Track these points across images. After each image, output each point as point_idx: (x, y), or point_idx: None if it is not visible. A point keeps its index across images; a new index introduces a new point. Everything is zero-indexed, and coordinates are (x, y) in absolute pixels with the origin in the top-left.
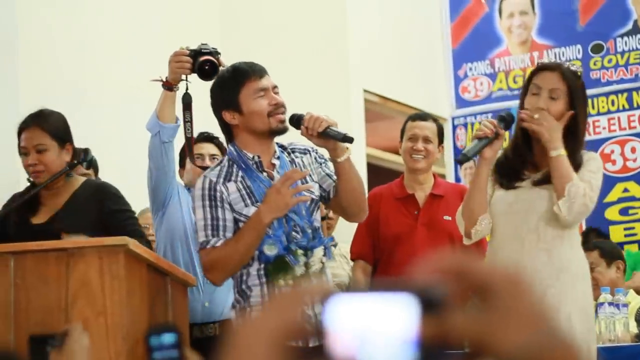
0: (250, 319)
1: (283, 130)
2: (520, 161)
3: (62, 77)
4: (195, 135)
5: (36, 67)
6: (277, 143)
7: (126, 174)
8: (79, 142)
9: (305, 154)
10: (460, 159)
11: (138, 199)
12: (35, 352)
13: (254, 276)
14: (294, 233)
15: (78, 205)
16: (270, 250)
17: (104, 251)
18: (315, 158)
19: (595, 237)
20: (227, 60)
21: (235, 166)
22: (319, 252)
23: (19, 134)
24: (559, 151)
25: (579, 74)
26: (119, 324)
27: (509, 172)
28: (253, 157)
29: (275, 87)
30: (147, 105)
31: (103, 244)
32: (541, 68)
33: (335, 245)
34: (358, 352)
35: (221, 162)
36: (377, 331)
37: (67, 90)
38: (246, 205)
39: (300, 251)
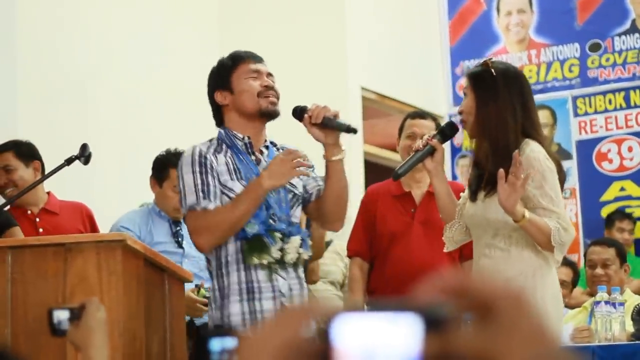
0: (255, 335)
1: (273, 113)
2: (480, 170)
3: (60, 71)
4: None
5: (34, 60)
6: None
7: (125, 166)
8: (77, 136)
9: None
10: (394, 175)
11: (135, 192)
12: (54, 324)
13: (233, 260)
14: (271, 220)
15: None
16: (250, 228)
17: (102, 246)
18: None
19: (619, 219)
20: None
21: (224, 145)
22: (296, 240)
23: None
24: (525, 216)
25: (484, 63)
26: (116, 319)
27: (472, 182)
28: (243, 137)
29: (270, 74)
30: (145, 96)
31: (101, 240)
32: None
33: (329, 243)
34: None
35: (210, 140)
36: (381, 350)
37: (65, 84)
38: (231, 179)
39: (278, 234)
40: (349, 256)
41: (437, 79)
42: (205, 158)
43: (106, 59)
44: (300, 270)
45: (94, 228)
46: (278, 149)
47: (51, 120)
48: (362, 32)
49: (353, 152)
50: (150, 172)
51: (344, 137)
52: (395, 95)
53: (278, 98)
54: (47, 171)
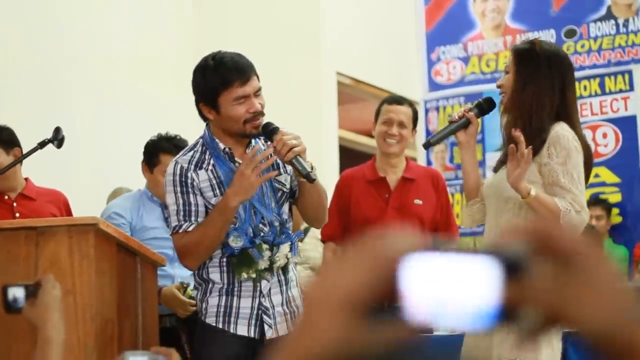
0: (322, 278)
1: (257, 136)
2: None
3: (34, 55)
4: None
5: (7, 44)
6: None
7: (100, 151)
8: (51, 121)
9: None
10: (425, 144)
11: (109, 176)
12: (8, 301)
13: (216, 265)
14: (261, 226)
15: None
16: (235, 243)
17: (74, 230)
18: None
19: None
20: (200, 40)
21: (207, 152)
22: (284, 248)
23: None
24: (530, 194)
25: (533, 41)
26: (88, 303)
27: (501, 158)
28: (224, 148)
29: (257, 90)
30: (123, 87)
31: (73, 223)
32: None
33: (308, 229)
34: (434, 315)
35: (195, 145)
36: (456, 295)
37: (39, 68)
38: (215, 196)
39: (265, 246)
40: (323, 240)
41: (413, 64)
42: (186, 177)
43: (80, 42)
44: (287, 271)
45: (69, 215)
46: (265, 141)
47: (24, 104)
48: (337, 17)
49: (328, 137)
50: (124, 156)
51: (319, 122)
52: (370, 81)
53: (264, 115)
54: None
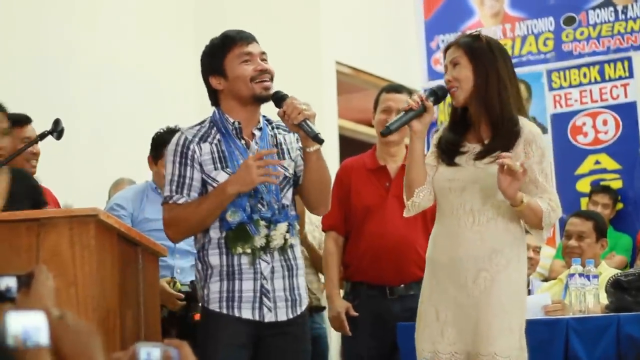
0: None
1: (267, 98)
2: (458, 136)
3: (34, 46)
4: None
5: (6, 36)
6: (264, 116)
7: (100, 143)
8: (50, 112)
9: (288, 132)
10: (383, 131)
11: (109, 168)
12: (1, 290)
13: (215, 247)
14: (259, 205)
15: (19, 197)
16: (232, 217)
17: (75, 221)
18: (297, 139)
19: (595, 192)
20: (198, 27)
21: (214, 128)
22: (282, 226)
23: None
24: (523, 202)
25: (476, 34)
26: (89, 294)
27: (448, 148)
28: (234, 122)
29: (263, 53)
30: (123, 79)
31: (74, 214)
32: (446, 48)
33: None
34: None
35: (202, 122)
36: None
37: (39, 60)
38: (215, 169)
39: (262, 222)
40: (324, 230)
41: (412, 53)
42: (188, 148)
43: (80, 34)
44: (289, 254)
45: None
46: (273, 128)
47: (23, 97)
48: (336, 6)
49: (327, 126)
50: (124, 148)
51: (319, 111)
52: (370, 70)
53: (272, 79)
54: None
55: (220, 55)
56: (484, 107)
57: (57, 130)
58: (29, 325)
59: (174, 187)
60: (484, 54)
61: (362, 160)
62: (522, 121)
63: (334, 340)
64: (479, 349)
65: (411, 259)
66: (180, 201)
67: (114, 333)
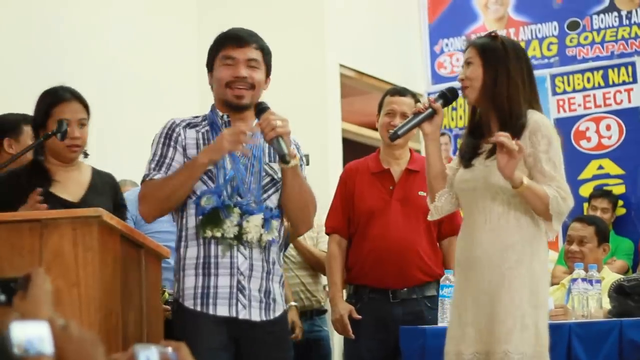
0: None
1: (236, 106)
2: (475, 138)
3: (37, 48)
4: None
5: (10, 36)
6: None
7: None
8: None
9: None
10: (391, 135)
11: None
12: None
13: (192, 236)
14: (236, 196)
15: (100, 190)
16: (206, 203)
17: (78, 222)
18: (295, 145)
19: (595, 197)
20: (202, 29)
21: (205, 121)
22: (256, 218)
23: (53, 104)
24: (523, 183)
25: (493, 35)
26: (92, 295)
27: (466, 151)
28: (222, 115)
29: (250, 60)
30: (126, 80)
31: (77, 215)
32: (465, 50)
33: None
34: None
35: (197, 116)
36: None
37: (43, 61)
38: (197, 153)
39: (236, 209)
40: (327, 233)
41: (416, 56)
42: (173, 131)
43: (83, 35)
44: (271, 252)
45: None
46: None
47: (26, 97)
48: (340, 9)
49: (331, 129)
50: (127, 148)
51: (322, 115)
52: (373, 73)
53: (252, 88)
54: None
55: (213, 52)
56: (492, 105)
57: (60, 130)
58: (32, 334)
59: (152, 166)
60: (495, 53)
61: (365, 163)
62: (530, 113)
63: (337, 343)
64: (494, 347)
65: (414, 263)
66: (156, 177)
67: (116, 334)
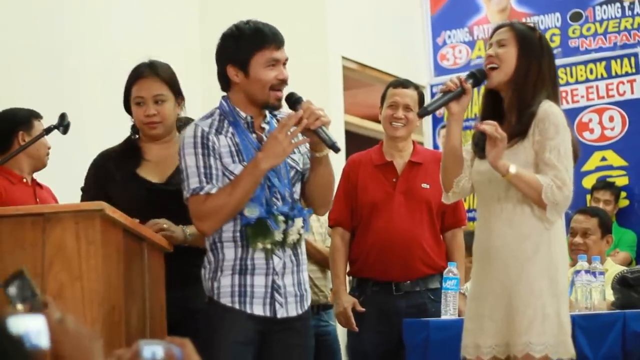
0: None
1: (276, 108)
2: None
3: (39, 40)
4: None
5: (12, 29)
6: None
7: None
8: (56, 107)
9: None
10: (420, 112)
11: None
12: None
13: (229, 240)
14: (274, 199)
15: None
16: (251, 213)
17: (80, 216)
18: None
19: (597, 189)
20: (204, 23)
21: (226, 121)
22: (298, 222)
23: (132, 82)
24: (510, 171)
25: (533, 27)
26: (95, 289)
27: (480, 138)
28: (246, 117)
29: (286, 61)
30: (126, 66)
31: (80, 209)
32: (497, 27)
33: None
34: None
35: (212, 114)
36: None
37: (44, 54)
38: (233, 162)
39: (281, 217)
40: (331, 225)
41: (419, 48)
42: (207, 139)
43: (86, 29)
44: (298, 248)
45: None
46: (278, 121)
47: (29, 91)
48: (342, 1)
49: (334, 122)
50: None
51: (325, 107)
52: (376, 65)
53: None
54: None
55: (248, 49)
56: (517, 94)
57: (63, 124)
58: (29, 328)
59: (202, 178)
60: (533, 44)
61: (368, 155)
62: (544, 104)
63: (340, 336)
64: (515, 338)
65: (417, 256)
66: (213, 191)
67: (119, 328)
